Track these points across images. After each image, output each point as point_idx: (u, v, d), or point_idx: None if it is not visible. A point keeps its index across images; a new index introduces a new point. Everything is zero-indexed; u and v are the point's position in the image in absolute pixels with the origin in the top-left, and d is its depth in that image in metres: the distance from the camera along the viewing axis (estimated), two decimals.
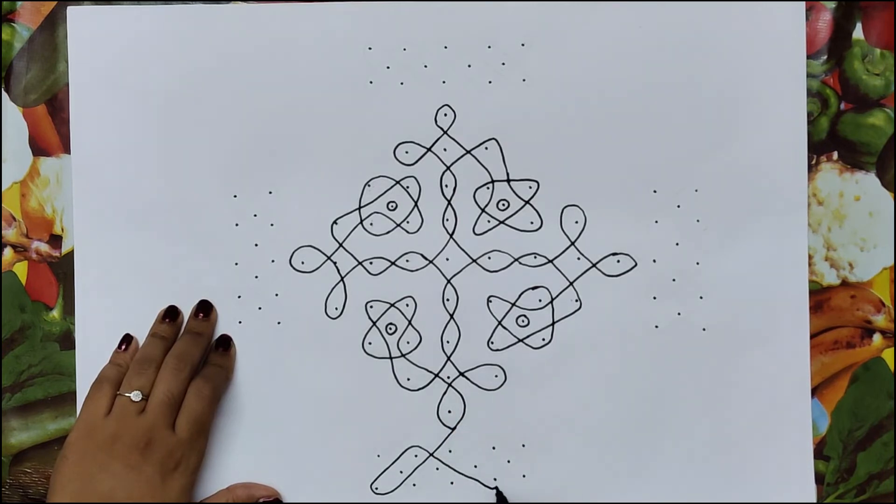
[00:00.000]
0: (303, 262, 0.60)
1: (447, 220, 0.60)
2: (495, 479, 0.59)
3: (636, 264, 0.59)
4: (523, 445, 0.59)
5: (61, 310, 0.61)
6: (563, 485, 0.59)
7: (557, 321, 0.60)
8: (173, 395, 0.55)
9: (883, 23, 0.60)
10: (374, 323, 0.60)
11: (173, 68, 0.60)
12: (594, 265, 0.60)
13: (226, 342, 0.59)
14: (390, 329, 0.60)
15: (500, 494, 0.59)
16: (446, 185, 0.60)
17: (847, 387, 0.60)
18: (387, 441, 0.60)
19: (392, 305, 0.60)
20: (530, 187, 0.60)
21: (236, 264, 0.60)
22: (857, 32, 0.60)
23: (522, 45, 0.59)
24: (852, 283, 0.60)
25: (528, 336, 0.60)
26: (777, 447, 0.59)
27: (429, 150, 0.60)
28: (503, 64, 0.59)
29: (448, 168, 0.60)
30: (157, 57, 0.60)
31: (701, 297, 0.59)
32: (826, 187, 0.60)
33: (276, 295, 0.60)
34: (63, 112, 0.60)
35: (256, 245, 0.60)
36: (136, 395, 0.55)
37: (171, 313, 0.59)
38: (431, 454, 0.60)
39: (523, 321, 0.60)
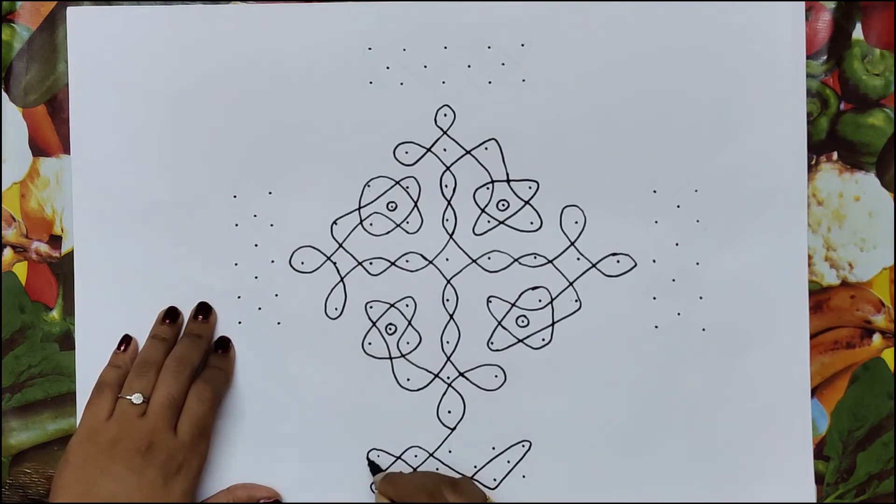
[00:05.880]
0: (303, 263, 0.60)
1: (447, 220, 0.60)
2: (495, 479, 0.59)
3: (636, 264, 0.59)
4: (523, 446, 0.59)
5: (61, 310, 0.61)
6: (563, 485, 0.59)
7: (557, 321, 0.60)
8: (174, 397, 0.55)
9: (883, 23, 0.60)
10: (374, 323, 0.60)
11: (173, 68, 0.60)
12: (594, 265, 0.60)
13: (224, 344, 0.59)
14: (390, 329, 0.60)
15: (372, 464, 0.59)
16: (446, 186, 0.60)
17: (847, 387, 0.60)
18: (387, 441, 0.60)
19: (392, 306, 0.60)
20: (530, 187, 0.59)
21: (236, 265, 0.60)
22: (857, 32, 0.60)
23: (522, 45, 0.59)
24: (852, 284, 0.60)
25: (527, 336, 0.60)
26: (777, 447, 0.59)
27: (429, 150, 0.60)
28: (503, 64, 0.59)
29: (448, 168, 0.60)
30: (157, 57, 0.60)
31: (701, 298, 0.59)
32: (826, 187, 0.60)
33: (276, 295, 0.60)
34: (63, 112, 0.60)
35: (256, 245, 0.60)
36: (136, 398, 0.55)
37: (171, 314, 0.59)
38: (431, 454, 0.60)
39: (523, 321, 0.60)
